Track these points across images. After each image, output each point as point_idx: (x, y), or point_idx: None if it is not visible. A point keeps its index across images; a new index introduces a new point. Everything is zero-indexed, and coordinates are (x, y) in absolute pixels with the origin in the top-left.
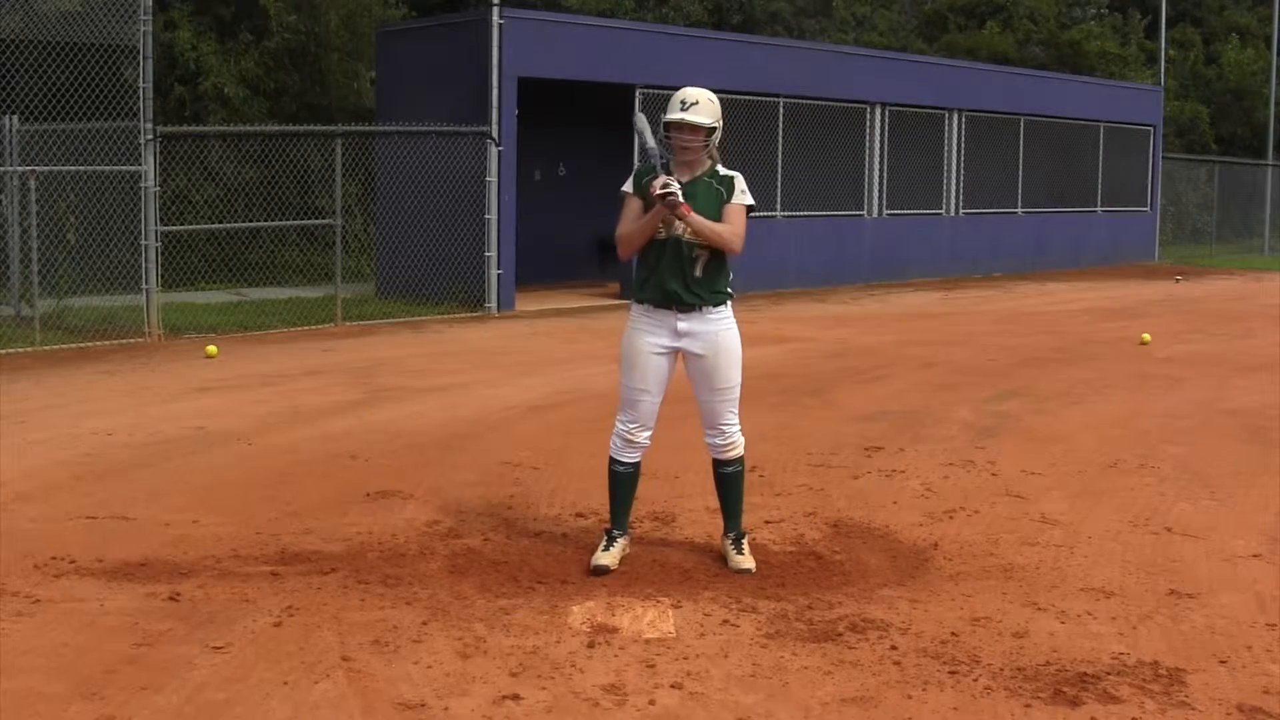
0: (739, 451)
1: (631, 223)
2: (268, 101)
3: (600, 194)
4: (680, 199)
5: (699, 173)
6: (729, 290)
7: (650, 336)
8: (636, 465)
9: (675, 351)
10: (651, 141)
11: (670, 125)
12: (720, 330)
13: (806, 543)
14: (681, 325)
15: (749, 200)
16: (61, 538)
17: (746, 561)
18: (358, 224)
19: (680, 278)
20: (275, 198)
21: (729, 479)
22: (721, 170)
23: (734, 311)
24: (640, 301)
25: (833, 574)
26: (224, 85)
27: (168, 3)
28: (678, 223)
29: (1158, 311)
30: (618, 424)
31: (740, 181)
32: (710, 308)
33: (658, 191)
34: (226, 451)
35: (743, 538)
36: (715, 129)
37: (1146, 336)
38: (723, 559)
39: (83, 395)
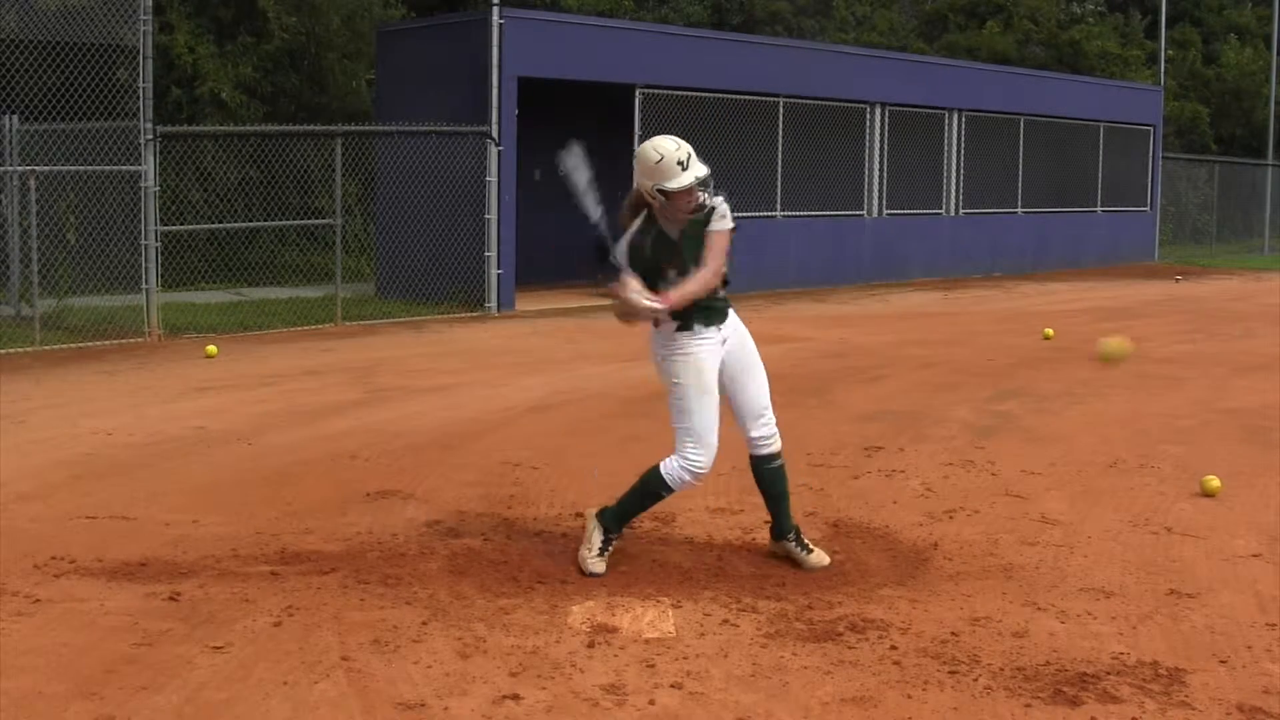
0: (780, 441)
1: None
2: (264, 106)
3: (600, 194)
4: (660, 309)
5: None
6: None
7: (713, 355)
8: None
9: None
10: (590, 205)
11: (676, 191)
12: (738, 321)
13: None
14: (725, 331)
15: (726, 225)
16: (61, 538)
17: (820, 558)
18: (358, 224)
19: (708, 296)
20: (275, 198)
21: (777, 473)
22: (705, 201)
23: (733, 313)
24: (689, 328)
25: (833, 574)
26: (220, 90)
27: (164, 4)
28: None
29: (1158, 311)
30: (689, 461)
31: (721, 206)
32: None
33: (646, 316)
34: (226, 451)
35: (801, 534)
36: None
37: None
38: (794, 562)
39: (83, 395)
